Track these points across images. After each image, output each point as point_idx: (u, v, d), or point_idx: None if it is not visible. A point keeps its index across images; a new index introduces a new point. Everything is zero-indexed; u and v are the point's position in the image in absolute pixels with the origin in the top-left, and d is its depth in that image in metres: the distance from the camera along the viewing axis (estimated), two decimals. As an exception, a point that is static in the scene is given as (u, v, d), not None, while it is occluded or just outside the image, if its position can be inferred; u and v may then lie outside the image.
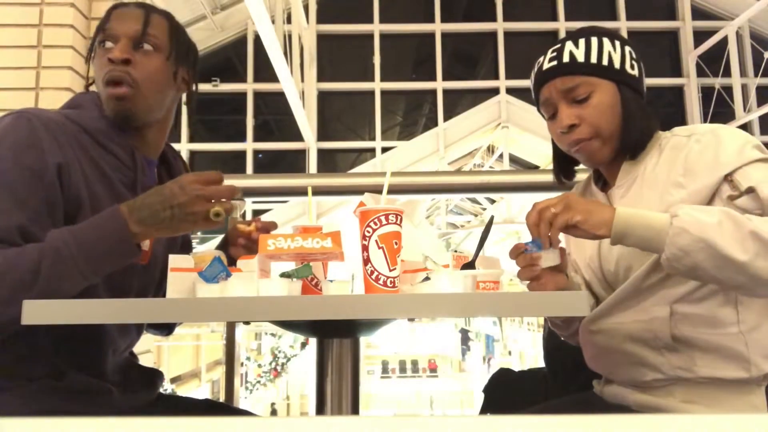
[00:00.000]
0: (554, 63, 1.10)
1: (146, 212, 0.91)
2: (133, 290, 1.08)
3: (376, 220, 1.00)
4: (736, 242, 0.86)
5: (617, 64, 1.09)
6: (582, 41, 1.09)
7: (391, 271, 0.98)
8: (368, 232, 1.00)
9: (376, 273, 0.97)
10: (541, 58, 1.13)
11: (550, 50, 1.12)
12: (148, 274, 1.11)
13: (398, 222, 1.01)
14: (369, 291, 0.99)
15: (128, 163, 1.07)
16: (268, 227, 1.17)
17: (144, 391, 1.14)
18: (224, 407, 1.34)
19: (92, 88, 1.13)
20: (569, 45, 1.10)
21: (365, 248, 1.01)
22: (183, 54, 1.12)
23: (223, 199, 0.93)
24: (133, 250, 0.92)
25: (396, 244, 1.00)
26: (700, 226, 0.88)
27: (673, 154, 1.05)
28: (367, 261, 1.00)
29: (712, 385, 0.99)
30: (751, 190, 0.93)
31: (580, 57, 1.08)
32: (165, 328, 1.29)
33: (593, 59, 1.08)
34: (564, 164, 1.21)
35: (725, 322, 0.98)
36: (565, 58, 1.09)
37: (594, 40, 1.09)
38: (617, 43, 1.10)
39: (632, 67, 1.10)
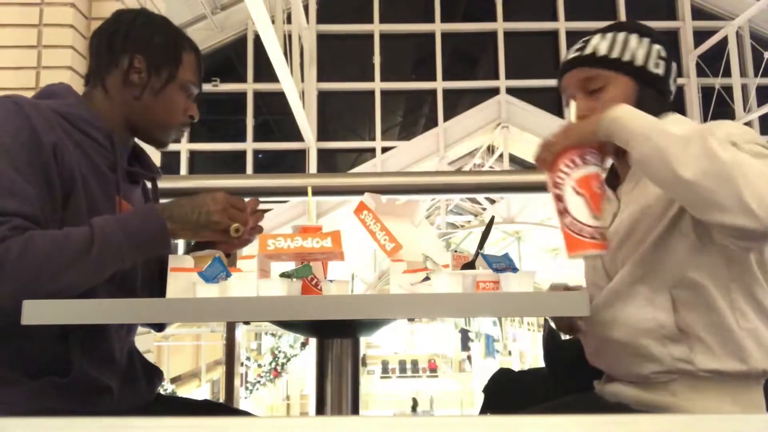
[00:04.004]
0: (576, 54, 1.12)
1: (177, 210, 0.99)
2: (121, 273, 1.08)
3: (569, 163, 0.91)
4: (691, 158, 0.85)
5: (639, 61, 1.09)
6: (610, 35, 1.10)
7: (596, 220, 0.88)
8: (561, 178, 0.91)
9: (578, 224, 0.87)
10: (571, 48, 1.15)
11: (580, 41, 1.14)
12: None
13: (596, 161, 0.92)
14: (573, 246, 0.90)
15: (107, 147, 1.08)
16: (252, 206, 1.16)
17: (144, 389, 1.14)
18: (223, 407, 1.34)
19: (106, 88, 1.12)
20: (596, 38, 1.11)
21: (559, 198, 0.92)
22: None
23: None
24: (167, 242, 0.98)
25: (599, 188, 0.90)
26: (665, 136, 0.89)
27: None
28: (564, 212, 0.90)
29: (712, 381, 0.99)
30: None
31: (602, 50, 1.09)
32: (157, 324, 1.30)
33: (614, 54, 1.09)
34: None
35: (719, 309, 0.98)
36: (588, 50, 1.10)
37: (621, 35, 1.10)
38: (646, 40, 1.10)
39: (656, 65, 1.10)
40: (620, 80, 1.08)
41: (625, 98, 1.07)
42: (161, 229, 0.97)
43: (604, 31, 1.12)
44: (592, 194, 0.90)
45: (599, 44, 1.10)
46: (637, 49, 1.09)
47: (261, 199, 1.18)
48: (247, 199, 1.10)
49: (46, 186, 0.94)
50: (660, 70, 1.11)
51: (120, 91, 1.11)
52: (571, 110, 1.06)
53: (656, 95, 1.10)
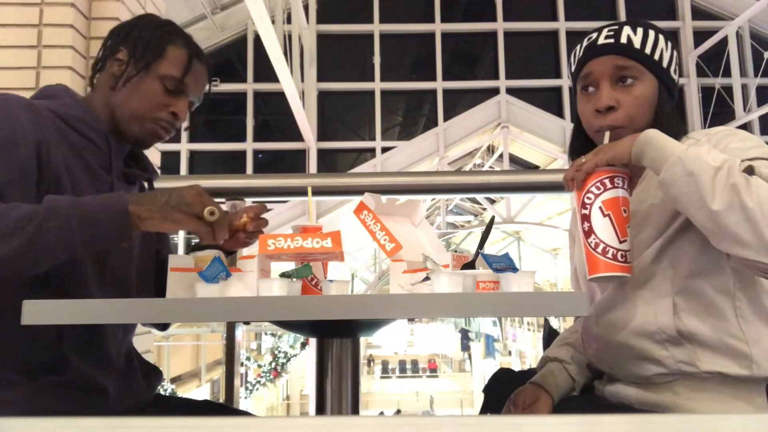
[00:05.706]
0: (611, 41, 1.09)
1: (145, 196, 0.93)
2: (114, 269, 1.08)
3: (598, 184, 0.92)
4: (718, 190, 0.86)
5: (665, 63, 1.09)
6: (640, 30, 1.09)
7: (621, 243, 0.90)
8: (589, 198, 0.93)
9: (602, 245, 0.89)
10: (594, 34, 1.12)
11: (606, 29, 1.11)
12: (127, 253, 1.11)
13: (625, 186, 0.93)
14: (596, 267, 0.92)
15: (103, 147, 1.09)
16: (257, 210, 1.13)
17: (143, 389, 1.14)
18: (223, 407, 1.34)
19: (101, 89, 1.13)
20: (627, 29, 1.09)
21: (586, 218, 0.94)
22: None
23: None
24: (127, 226, 0.90)
25: (625, 212, 0.92)
26: (698, 163, 0.88)
27: None
28: (589, 232, 0.92)
29: (715, 382, 0.99)
30: (749, 170, 0.91)
31: (637, 44, 1.08)
32: (160, 324, 1.30)
33: (648, 50, 1.07)
34: (581, 145, 1.17)
35: (724, 316, 0.98)
36: (623, 40, 1.08)
37: (651, 33, 1.09)
38: (669, 44, 1.11)
39: (675, 71, 1.11)
40: (648, 77, 1.07)
41: (651, 97, 1.07)
42: (121, 209, 0.88)
43: (631, 24, 1.10)
44: (618, 217, 0.91)
45: (633, 36, 1.08)
46: (664, 50, 1.09)
47: (261, 199, 1.16)
48: (252, 203, 1.10)
49: (19, 178, 0.93)
50: (676, 77, 1.12)
51: (103, 85, 1.11)
52: (605, 140, 1.05)
53: (669, 99, 1.10)
